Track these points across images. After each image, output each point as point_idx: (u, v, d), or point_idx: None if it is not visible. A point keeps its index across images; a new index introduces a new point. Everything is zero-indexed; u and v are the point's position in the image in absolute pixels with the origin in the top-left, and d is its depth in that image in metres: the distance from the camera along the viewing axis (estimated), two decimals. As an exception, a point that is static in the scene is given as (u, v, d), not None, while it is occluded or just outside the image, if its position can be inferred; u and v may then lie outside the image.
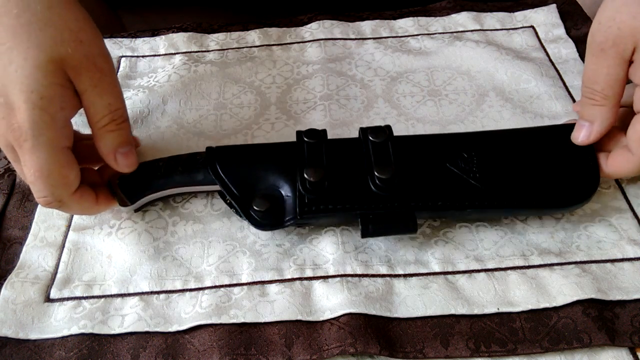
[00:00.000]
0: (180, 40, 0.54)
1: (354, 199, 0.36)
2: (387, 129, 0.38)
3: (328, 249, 0.38)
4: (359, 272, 0.36)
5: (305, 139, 0.38)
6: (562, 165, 0.37)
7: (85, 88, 0.33)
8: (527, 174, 0.37)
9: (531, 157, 0.37)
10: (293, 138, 0.39)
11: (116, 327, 0.34)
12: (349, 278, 0.36)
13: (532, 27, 0.54)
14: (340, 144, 0.39)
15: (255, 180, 0.38)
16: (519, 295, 0.34)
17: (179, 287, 0.36)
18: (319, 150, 0.38)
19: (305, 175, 0.36)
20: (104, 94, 0.34)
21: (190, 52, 0.53)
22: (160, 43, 0.54)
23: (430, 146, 0.38)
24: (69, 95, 0.33)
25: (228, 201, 0.38)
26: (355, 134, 0.40)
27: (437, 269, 0.36)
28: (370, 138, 0.38)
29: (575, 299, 0.34)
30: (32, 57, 0.31)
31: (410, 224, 0.35)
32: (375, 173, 0.36)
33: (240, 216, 0.38)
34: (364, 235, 0.35)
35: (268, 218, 0.37)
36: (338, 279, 0.36)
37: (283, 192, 0.37)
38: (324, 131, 0.39)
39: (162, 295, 0.36)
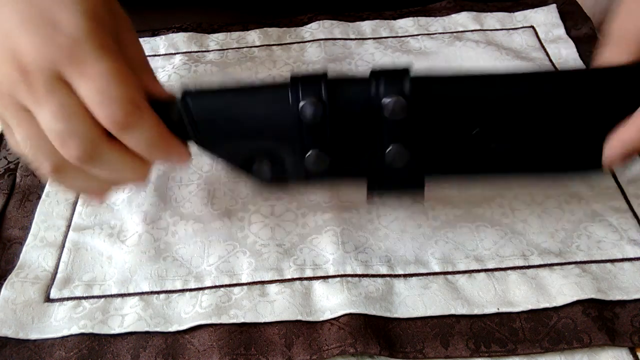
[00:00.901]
0: (180, 40, 0.54)
1: (362, 173, 0.33)
2: (405, 90, 0.30)
3: (328, 249, 0.38)
4: (359, 272, 0.36)
5: (304, 118, 0.31)
6: (593, 120, 0.32)
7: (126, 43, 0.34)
8: (552, 135, 0.32)
9: (560, 116, 0.32)
10: None
11: (116, 327, 0.34)
12: (349, 278, 0.36)
13: (532, 27, 0.54)
14: (348, 114, 0.32)
15: (250, 150, 0.33)
16: (519, 295, 0.34)
17: (179, 287, 0.36)
18: (321, 129, 0.31)
19: (306, 165, 0.32)
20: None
21: (190, 52, 0.53)
22: (160, 43, 0.54)
23: (455, 112, 0.32)
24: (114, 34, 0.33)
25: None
26: None
27: (437, 269, 0.36)
28: (385, 115, 0.31)
29: (575, 299, 0.34)
30: None
31: (418, 184, 0.33)
32: (386, 160, 0.32)
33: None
34: (369, 196, 0.33)
35: (272, 177, 0.34)
36: (338, 279, 0.36)
37: (285, 157, 0.33)
38: (325, 81, 0.31)
39: (162, 295, 0.36)
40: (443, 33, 0.53)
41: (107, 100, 0.30)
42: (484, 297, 0.34)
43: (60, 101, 0.29)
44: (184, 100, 0.32)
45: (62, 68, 0.29)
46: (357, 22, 0.55)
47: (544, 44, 0.52)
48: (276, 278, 0.36)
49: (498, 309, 0.34)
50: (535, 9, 0.55)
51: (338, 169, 0.33)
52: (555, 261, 0.36)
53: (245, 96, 0.33)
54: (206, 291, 0.36)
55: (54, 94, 0.29)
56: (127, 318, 0.35)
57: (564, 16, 0.54)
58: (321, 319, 0.34)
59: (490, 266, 0.36)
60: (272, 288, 0.36)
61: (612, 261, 0.36)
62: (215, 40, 0.54)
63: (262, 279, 0.36)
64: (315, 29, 0.55)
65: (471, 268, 0.36)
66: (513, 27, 0.54)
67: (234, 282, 0.36)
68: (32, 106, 0.30)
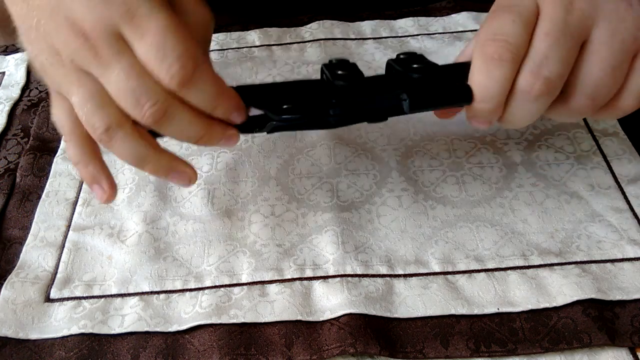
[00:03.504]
0: (180, 40, 0.54)
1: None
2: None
3: (328, 249, 0.38)
4: (359, 272, 0.36)
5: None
6: None
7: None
8: None
9: None
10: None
11: (116, 327, 0.34)
12: (349, 278, 0.36)
13: (532, 27, 0.53)
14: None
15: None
16: (519, 295, 0.34)
17: (179, 287, 0.36)
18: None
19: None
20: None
21: (190, 52, 0.53)
22: (160, 43, 0.54)
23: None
24: None
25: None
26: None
27: (437, 269, 0.36)
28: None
29: (575, 299, 0.34)
30: None
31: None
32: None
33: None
34: (412, 109, 0.32)
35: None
36: (338, 279, 0.36)
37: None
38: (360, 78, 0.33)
39: (162, 295, 0.36)
40: (443, 33, 0.53)
41: (166, 55, 0.29)
42: (484, 297, 0.34)
43: (129, 61, 0.29)
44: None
45: (120, 27, 0.29)
46: (357, 22, 0.55)
47: (544, 44, 0.52)
48: (276, 278, 0.36)
49: (498, 309, 0.34)
50: (535, 9, 0.55)
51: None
52: (555, 261, 0.36)
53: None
54: (206, 291, 0.36)
55: (122, 55, 0.29)
56: (127, 318, 0.35)
57: (564, 16, 0.54)
58: (321, 319, 0.34)
59: (490, 266, 0.36)
60: (272, 288, 0.36)
61: (612, 261, 0.36)
62: (215, 40, 0.54)
63: (262, 279, 0.36)
64: (315, 29, 0.55)
65: (471, 268, 0.36)
66: (513, 27, 0.54)
67: (234, 282, 0.36)
68: (97, 69, 0.30)
